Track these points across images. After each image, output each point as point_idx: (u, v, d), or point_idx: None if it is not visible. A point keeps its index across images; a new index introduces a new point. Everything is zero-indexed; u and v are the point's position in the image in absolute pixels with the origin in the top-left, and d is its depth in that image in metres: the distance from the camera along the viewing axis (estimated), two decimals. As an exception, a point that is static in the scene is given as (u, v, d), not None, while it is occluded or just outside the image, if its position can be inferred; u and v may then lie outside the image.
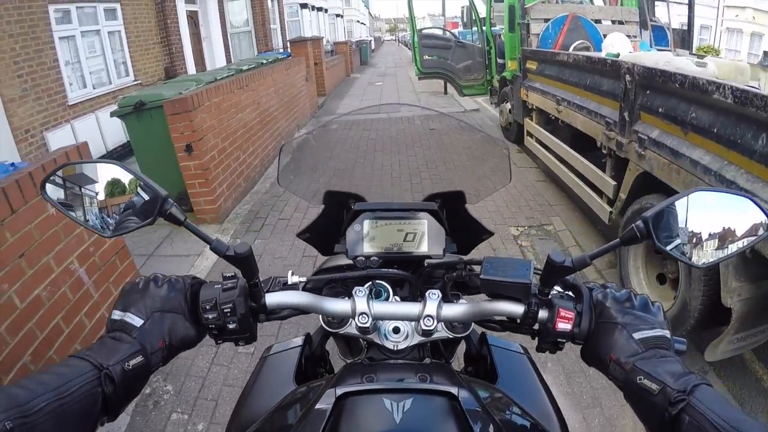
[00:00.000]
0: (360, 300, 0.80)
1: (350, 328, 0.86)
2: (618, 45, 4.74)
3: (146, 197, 0.73)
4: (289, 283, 0.91)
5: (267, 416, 0.79)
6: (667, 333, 0.70)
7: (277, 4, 15.73)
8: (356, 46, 22.61)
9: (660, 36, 5.87)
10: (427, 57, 8.88)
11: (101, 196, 0.74)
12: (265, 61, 7.32)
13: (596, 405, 2.31)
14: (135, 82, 7.89)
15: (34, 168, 2.08)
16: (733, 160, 2.16)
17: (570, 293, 0.77)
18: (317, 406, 0.66)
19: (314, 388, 0.77)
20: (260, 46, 13.44)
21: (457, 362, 1.15)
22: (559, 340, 0.75)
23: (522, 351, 1.01)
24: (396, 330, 0.86)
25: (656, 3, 6.24)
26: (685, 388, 0.59)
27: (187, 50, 9.46)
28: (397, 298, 0.94)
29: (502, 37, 6.91)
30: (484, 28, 7.74)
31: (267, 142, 6.24)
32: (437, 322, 0.79)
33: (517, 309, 0.76)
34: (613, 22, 5.96)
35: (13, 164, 2.55)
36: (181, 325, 0.74)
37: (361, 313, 0.79)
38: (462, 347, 1.08)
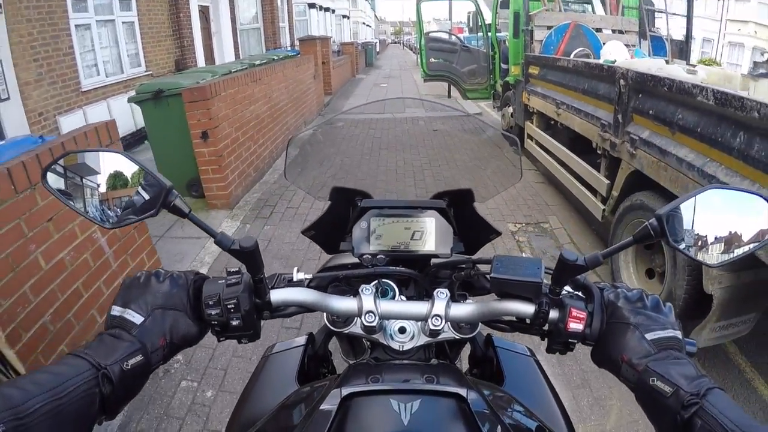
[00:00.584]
0: (367, 298, 0.78)
1: (355, 328, 0.84)
2: (615, 52, 4.94)
3: (150, 188, 0.71)
4: (295, 279, 0.88)
5: (270, 416, 0.78)
6: (678, 334, 0.69)
7: (286, 3, 15.93)
8: (362, 48, 22.83)
9: (659, 46, 6.04)
10: (433, 60, 9.05)
11: (103, 188, 0.72)
12: (276, 57, 7.49)
13: (585, 386, 2.45)
14: (146, 73, 8.05)
15: (66, 139, 2.23)
16: (715, 157, 2.32)
17: (580, 293, 0.76)
18: (322, 407, 0.65)
19: (318, 388, 0.76)
20: (268, 44, 13.64)
21: (462, 364, 1.15)
22: (570, 340, 0.74)
23: (528, 353, 1.00)
24: (402, 330, 0.84)
25: (657, 15, 6.42)
26: (698, 392, 0.58)
27: (198, 44, 9.62)
28: (403, 298, 0.92)
29: (506, 42, 7.07)
30: (489, 33, 7.91)
31: (276, 134, 6.41)
32: (445, 322, 0.77)
33: (527, 309, 0.74)
34: (614, 31, 6.13)
35: (41, 137, 2.70)
36: (182, 322, 0.72)
37: (368, 312, 0.77)
38: (467, 349, 1.07)
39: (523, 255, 3.61)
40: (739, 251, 0.66)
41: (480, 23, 8.29)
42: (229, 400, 2.34)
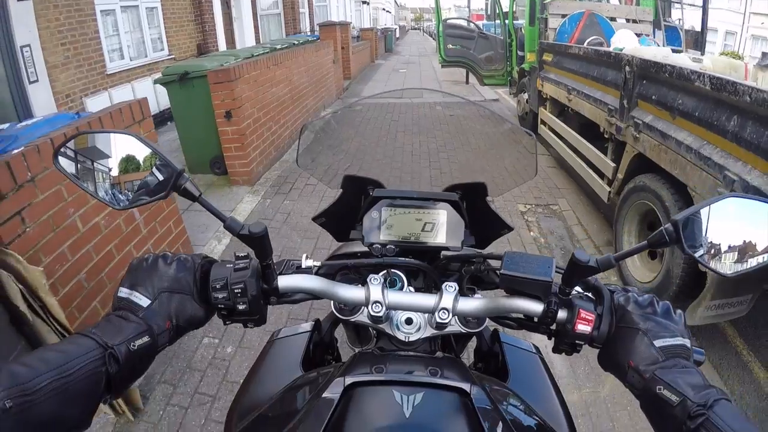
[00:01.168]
0: (375, 288, 0.77)
1: (362, 317, 0.85)
2: (624, 40, 5.01)
3: (161, 171, 0.71)
4: (303, 266, 0.87)
5: (273, 401, 0.79)
6: (687, 342, 0.67)
7: (306, -11, 16.01)
8: (381, 34, 22.80)
9: (673, 36, 6.05)
10: (450, 46, 9.14)
11: (114, 171, 0.72)
12: (296, 42, 7.63)
13: (582, 356, 2.53)
14: (169, 57, 8.26)
15: (103, 114, 2.40)
16: (711, 141, 2.43)
17: (590, 295, 0.75)
18: (325, 395, 0.65)
19: (322, 375, 0.76)
20: (288, 29, 13.76)
21: (467, 358, 1.15)
22: (577, 342, 0.73)
23: (534, 350, 0.99)
24: (408, 321, 0.84)
25: (674, 5, 6.42)
26: (705, 402, 0.57)
27: (219, 29, 9.77)
28: (411, 289, 0.92)
29: (523, 30, 7.13)
30: (506, 21, 7.96)
31: (296, 117, 6.58)
32: (452, 316, 0.77)
33: (535, 307, 0.73)
34: (628, 20, 6.16)
35: (78, 113, 2.89)
36: (188, 305, 0.72)
37: (375, 302, 0.77)
38: (472, 343, 1.07)
39: (531, 234, 3.76)
40: (753, 261, 0.66)
41: (498, 11, 8.34)
42: (247, 355, 2.54)
